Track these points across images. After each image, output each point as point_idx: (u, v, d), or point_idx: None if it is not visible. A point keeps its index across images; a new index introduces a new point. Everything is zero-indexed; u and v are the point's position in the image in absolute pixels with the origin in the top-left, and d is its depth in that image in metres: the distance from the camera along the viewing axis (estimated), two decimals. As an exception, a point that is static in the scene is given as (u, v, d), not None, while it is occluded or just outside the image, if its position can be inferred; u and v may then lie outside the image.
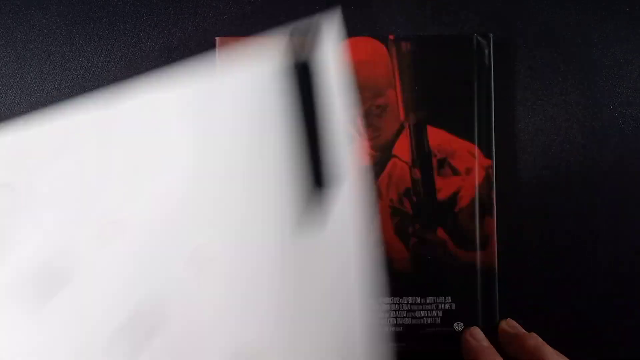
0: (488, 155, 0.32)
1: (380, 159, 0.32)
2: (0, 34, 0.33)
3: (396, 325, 0.32)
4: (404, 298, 0.32)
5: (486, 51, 0.32)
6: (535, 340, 0.29)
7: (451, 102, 0.32)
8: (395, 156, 0.32)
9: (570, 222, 0.35)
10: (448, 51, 0.32)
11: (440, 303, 0.32)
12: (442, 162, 0.32)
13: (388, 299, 0.32)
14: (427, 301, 0.32)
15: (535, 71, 0.35)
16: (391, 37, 0.32)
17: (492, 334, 0.31)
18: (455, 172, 0.32)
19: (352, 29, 0.34)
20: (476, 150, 0.32)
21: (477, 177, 0.32)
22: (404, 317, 0.32)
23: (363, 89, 0.32)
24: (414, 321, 0.32)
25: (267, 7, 0.34)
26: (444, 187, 0.32)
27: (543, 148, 0.35)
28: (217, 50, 0.32)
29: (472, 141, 0.32)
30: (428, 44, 0.32)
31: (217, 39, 0.32)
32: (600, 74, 0.35)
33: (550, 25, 0.35)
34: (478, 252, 0.32)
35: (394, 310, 0.32)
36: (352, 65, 0.32)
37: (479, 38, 0.32)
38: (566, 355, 0.28)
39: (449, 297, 0.32)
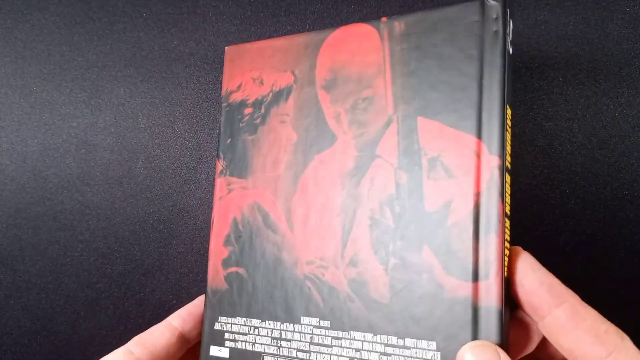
0: (494, 151, 0.24)
1: (362, 160, 0.27)
2: (0, 34, 0.33)
3: None
4: (378, 336, 0.25)
5: (498, 19, 0.25)
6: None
7: (450, 86, 0.26)
8: (379, 156, 0.27)
9: (571, 223, 0.35)
10: (449, 25, 0.26)
11: (422, 349, 0.24)
12: (434, 162, 0.26)
13: (360, 335, 0.26)
14: (406, 344, 0.25)
15: (536, 71, 0.35)
16: (384, 18, 0.28)
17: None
18: (449, 174, 0.25)
19: (346, 17, 0.34)
20: (478, 145, 0.25)
21: (477, 180, 0.25)
22: None
23: (350, 81, 0.28)
24: None
25: (273, 10, 0.34)
26: (434, 195, 0.25)
27: (543, 148, 0.35)
28: (225, 60, 0.31)
29: (474, 133, 0.25)
30: (425, 20, 0.27)
31: (226, 48, 0.31)
32: (600, 74, 0.35)
33: (550, 25, 0.35)
34: (474, 284, 0.24)
35: (365, 350, 0.26)
36: (341, 57, 0.29)
37: (487, 4, 0.26)
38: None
39: (434, 343, 0.24)
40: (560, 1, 0.35)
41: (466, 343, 0.24)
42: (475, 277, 0.24)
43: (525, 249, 0.35)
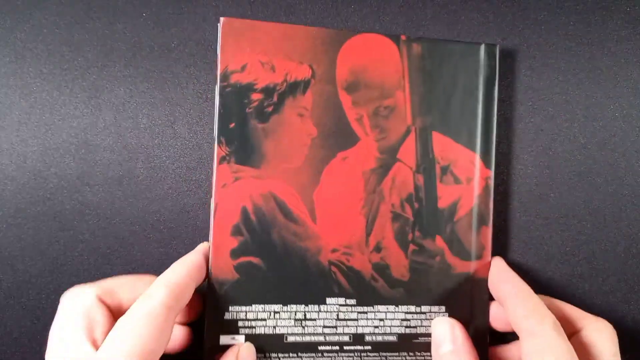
0: (488, 165, 0.32)
1: (385, 162, 0.31)
2: (0, 34, 0.33)
3: (390, 334, 0.31)
4: (399, 307, 0.31)
5: (493, 63, 0.32)
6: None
7: (457, 109, 0.32)
8: (400, 160, 0.31)
9: (569, 223, 0.35)
10: (457, 59, 0.32)
11: (435, 313, 0.31)
12: (445, 170, 0.32)
13: (383, 307, 0.31)
14: (422, 310, 0.31)
15: (536, 71, 0.35)
16: (403, 37, 0.31)
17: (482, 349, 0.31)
18: (456, 180, 0.32)
19: (364, 25, 0.34)
20: (477, 160, 0.32)
21: (477, 186, 0.32)
22: (398, 326, 0.31)
23: (372, 87, 0.31)
24: (407, 330, 0.31)
25: (273, 10, 0.34)
26: (445, 195, 0.32)
27: (543, 148, 0.35)
28: (220, 33, 0.30)
29: (475, 150, 0.32)
30: (438, 48, 0.32)
31: (221, 19, 0.30)
32: (600, 74, 0.35)
33: (550, 26, 0.35)
34: (472, 262, 0.32)
35: (389, 319, 0.31)
36: (361, 62, 0.31)
37: (487, 49, 0.32)
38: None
39: (443, 307, 0.32)
40: (560, 2, 0.35)
41: (466, 305, 0.32)
42: (474, 257, 0.32)
43: (526, 248, 0.35)
